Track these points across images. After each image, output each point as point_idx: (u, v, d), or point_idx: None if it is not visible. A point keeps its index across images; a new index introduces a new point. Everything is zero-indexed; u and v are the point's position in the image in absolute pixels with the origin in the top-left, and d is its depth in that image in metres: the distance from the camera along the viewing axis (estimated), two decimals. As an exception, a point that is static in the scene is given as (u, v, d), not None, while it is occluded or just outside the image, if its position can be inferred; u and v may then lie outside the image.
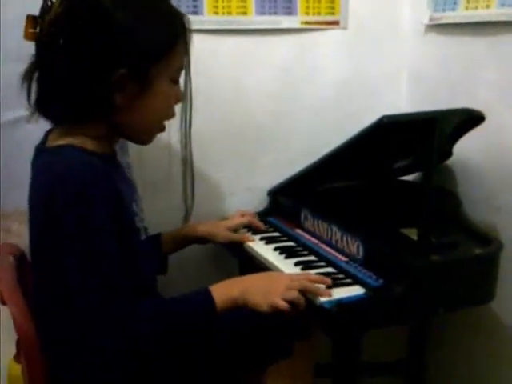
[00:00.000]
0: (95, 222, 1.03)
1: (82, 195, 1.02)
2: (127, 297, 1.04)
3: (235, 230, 1.55)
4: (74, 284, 1.01)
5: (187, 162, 1.51)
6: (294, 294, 1.14)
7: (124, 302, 1.03)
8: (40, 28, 1.07)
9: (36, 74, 1.10)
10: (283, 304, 1.12)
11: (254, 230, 1.57)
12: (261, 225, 1.59)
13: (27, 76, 1.11)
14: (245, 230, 1.57)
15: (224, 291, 1.13)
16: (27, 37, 1.08)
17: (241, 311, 1.14)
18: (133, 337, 1.03)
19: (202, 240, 1.54)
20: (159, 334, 1.06)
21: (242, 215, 1.59)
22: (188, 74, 1.22)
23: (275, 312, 1.13)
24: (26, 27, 1.07)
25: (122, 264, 1.05)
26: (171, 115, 1.21)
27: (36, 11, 1.08)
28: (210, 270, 1.74)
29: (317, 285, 1.18)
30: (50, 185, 1.03)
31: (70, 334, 1.02)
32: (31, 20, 1.07)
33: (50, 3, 1.07)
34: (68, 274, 1.01)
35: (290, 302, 1.13)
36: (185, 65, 1.19)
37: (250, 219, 1.58)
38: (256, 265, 1.44)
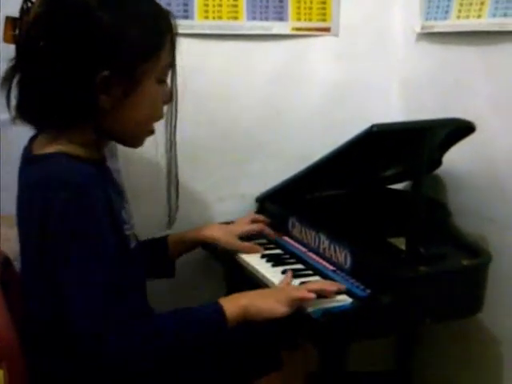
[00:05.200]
0: (92, 228, 1.02)
1: (78, 203, 1.00)
2: (125, 309, 1.03)
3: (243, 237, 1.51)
4: (74, 291, 1.00)
5: (172, 167, 1.50)
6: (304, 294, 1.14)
7: (126, 310, 1.02)
8: (19, 30, 1.04)
9: (16, 78, 1.07)
10: (309, 294, 1.14)
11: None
12: (272, 233, 1.54)
13: (7, 80, 1.07)
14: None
15: (233, 304, 1.12)
16: (7, 39, 1.04)
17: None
18: (135, 345, 1.02)
19: (209, 244, 1.51)
20: (166, 345, 1.05)
21: (254, 220, 1.56)
22: (174, 74, 1.18)
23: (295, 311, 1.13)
24: (6, 29, 1.04)
25: (117, 272, 1.04)
26: (159, 116, 1.19)
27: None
28: (197, 276, 1.72)
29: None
30: (44, 195, 1.01)
31: (70, 343, 1.01)
32: (10, 22, 1.04)
33: (29, 4, 1.03)
34: (68, 282, 1.01)
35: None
36: (171, 64, 1.15)
37: (262, 227, 1.54)
38: (242, 271, 1.42)
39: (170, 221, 1.62)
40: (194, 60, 1.59)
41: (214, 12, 1.59)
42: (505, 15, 1.38)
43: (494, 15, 1.41)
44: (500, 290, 1.44)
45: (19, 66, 1.06)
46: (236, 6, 1.61)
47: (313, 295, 1.14)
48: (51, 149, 1.07)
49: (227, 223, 1.58)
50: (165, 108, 1.21)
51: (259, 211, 1.69)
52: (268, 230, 1.54)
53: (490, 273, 1.30)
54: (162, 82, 1.15)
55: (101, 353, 0.99)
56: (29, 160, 1.11)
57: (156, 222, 1.61)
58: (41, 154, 1.08)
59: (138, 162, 1.58)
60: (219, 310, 1.10)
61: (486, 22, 1.44)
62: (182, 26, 1.51)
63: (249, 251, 1.47)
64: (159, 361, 1.03)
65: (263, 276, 1.34)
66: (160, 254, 1.45)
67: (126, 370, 1.03)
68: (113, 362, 1.00)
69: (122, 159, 1.52)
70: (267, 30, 1.66)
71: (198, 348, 1.09)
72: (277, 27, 1.66)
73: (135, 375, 1.05)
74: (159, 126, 1.22)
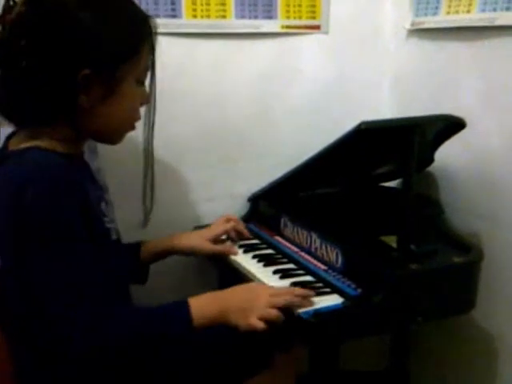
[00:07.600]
0: (63, 220, 1.01)
1: (51, 194, 1.00)
2: (97, 301, 1.02)
3: (218, 239, 1.50)
4: (39, 285, 1.00)
5: (148, 167, 1.49)
6: (272, 314, 1.12)
7: (92, 307, 1.01)
8: (2, 27, 1.04)
9: None
10: (260, 325, 1.11)
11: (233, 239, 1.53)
12: (246, 231, 1.54)
13: None
14: (228, 241, 1.52)
15: (203, 309, 1.11)
16: None
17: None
18: (99, 343, 1.01)
19: (185, 253, 1.49)
20: (128, 343, 1.05)
21: (227, 220, 1.52)
22: (153, 76, 1.18)
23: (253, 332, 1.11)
24: None
25: (91, 265, 1.04)
26: (137, 117, 1.20)
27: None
28: (190, 277, 1.70)
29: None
30: (18, 184, 1.01)
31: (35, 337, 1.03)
32: None
33: (12, 2, 1.04)
34: (34, 275, 1.00)
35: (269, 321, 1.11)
36: (150, 66, 1.16)
37: (235, 225, 1.52)
38: (234, 272, 1.41)
39: (145, 220, 1.61)
40: (183, 59, 1.58)
41: (202, 11, 1.57)
42: (494, 10, 1.38)
43: (483, 10, 1.41)
44: (492, 287, 1.43)
45: (0, 62, 1.06)
46: (224, 4, 1.59)
47: (263, 327, 1.11)
48: (27, 144, 1.08)
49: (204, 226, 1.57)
50: (144, 108, 1.22)
51: (251, 211, 1.68)
52: (241, 228, 1.53)
53: (482, 270, 1.29)
54: (141, 83, 1.16)
55: (64, 350, 1.00)
56: (4, 156, 1.11)
57: (131, 221, 1.59)
58: (16, 149, 1.09)
59: (116, 161, 1.53)
60: (186, 318, 1.09)
61: (476, 17, 1.43)
62: (170, 25, 1.53)
63: (224, 253, 1.46)
64: (123, 356, 1.04)
65: (254, 276, 1.34)
66: (132, 260, 1.41)
67: (93, 367, 1.04)
68: (77, 359, 1.01)
69: (101, 158, 1.50)
70: (256, 29, 1.64)
71: (161, 349, 1.09)
72: (266, 25, 1.65)
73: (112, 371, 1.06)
74: (138, 126, 1.22)
